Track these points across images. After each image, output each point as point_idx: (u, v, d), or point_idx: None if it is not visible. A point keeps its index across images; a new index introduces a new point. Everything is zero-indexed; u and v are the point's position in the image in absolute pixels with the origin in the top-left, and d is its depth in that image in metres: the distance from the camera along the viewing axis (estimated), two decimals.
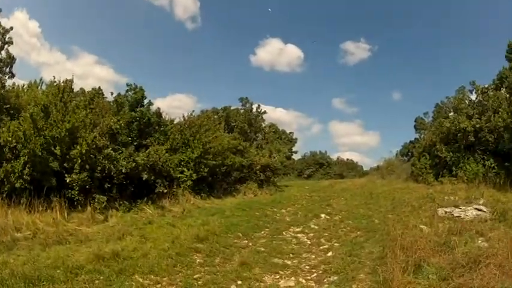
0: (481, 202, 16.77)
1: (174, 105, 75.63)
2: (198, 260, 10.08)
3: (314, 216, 18.38)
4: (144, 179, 18.42)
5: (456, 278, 8.51)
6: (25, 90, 22.28)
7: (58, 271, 8.15)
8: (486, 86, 27.96)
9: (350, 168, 56.27)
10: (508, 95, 23.87)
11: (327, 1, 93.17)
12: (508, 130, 22.75)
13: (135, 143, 19.74)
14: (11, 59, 21.03)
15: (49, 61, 69.82)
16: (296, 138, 49.57)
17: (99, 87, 23.74)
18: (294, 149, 47.99)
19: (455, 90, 31.36)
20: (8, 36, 20.91)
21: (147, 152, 18.99)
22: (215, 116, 33.00)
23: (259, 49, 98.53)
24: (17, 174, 15.43)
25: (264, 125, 41.34)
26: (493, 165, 23.55)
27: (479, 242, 10.92)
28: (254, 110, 40.02)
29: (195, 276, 8.84)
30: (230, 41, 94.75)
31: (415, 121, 43.56)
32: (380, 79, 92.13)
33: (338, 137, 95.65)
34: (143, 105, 21.76)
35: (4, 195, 14.94)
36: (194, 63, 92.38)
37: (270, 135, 41.73)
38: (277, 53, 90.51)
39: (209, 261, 10.06)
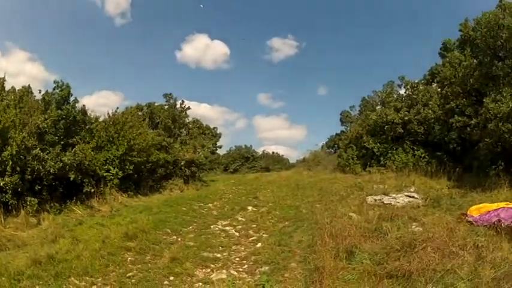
0: (412, 189, 16.84)
1: (100, 102, 73.13)
2: (129, 258, 9.87)
3: (241, 209, 17.85)
4: (71, 179, 17.18)
5: (391, 262, 8.04)
6: None
7: (3, 278, 7.92)
8: (416, 81, 28.92)
9: (276, 162, 56.32)
10: (439, 89, 24.41)
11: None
12: (438, 122, 23.31)
13: (62, 142, 18.49)
14: None
15: None
16: (220, 133, 49.13)
17: (29, 85, 22.09)
18: (218, 143, 47.53)
19: (383, 85, 32.10)
20: None
21: (73, 151, 17.76)
22: (139, 113, 31.97)
23: (186, 45, 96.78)
24: None
25: (187, 121, 40.52)
26: (423, 154, 24.05)
27: (413, 227, 10.56)
28: (178, 106, 39.12)
29: (128, 275, 8.69)
30: (157, 37, 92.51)
31: (340, 114, 44.17)
32: (306, 75, 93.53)
33: (263, 132, 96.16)
34: (69, 103, 20.48)
35: None
36: (121, 59, 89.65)
37: (194, 130, 41.06)
38: (204, 49, 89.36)
39: (140, 259, 9.88)
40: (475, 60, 19.56)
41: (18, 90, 20.59)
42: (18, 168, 15.20)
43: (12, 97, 18.36)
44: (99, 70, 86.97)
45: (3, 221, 13.68)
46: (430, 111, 23.92)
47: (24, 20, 77.33)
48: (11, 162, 15.02)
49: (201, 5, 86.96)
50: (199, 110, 77.75)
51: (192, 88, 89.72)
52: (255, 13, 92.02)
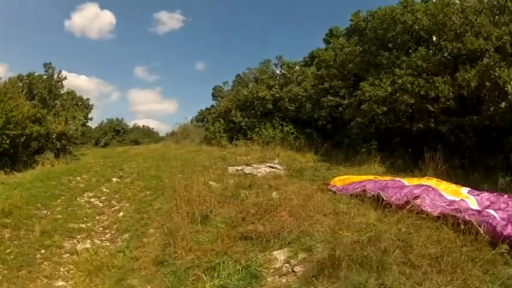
0: (276, 161, 17.09)
1: None
2: (7, 235, 9.87)
3: (106, 180, 17.64)
4: None
5: (246, 225, 8.01)
6: None
7: None
8: (294, 61, 29.80)
9: (146, 135, 55.37)
10: (316, 70, 25.43)
11: None
12: (310, 100, 24.11)
13: None
14: None
15: None
16: (92, 105, 46.59)
17: None
18: (90, 115, 45.56)
19: (259, 63, 32.29)
20: None
21: None
22: (19, 84, 29.67)
23: (75, 14, 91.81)
24: None
25: (62, 92, 38.39)
26: (292, 130, 24.70)
27: (274, 194, 10.46)
28: (55, 76, 36.88)
29: (7, 251, 8.82)
30: (47, 5, 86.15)
31: (213, 89, 43.99)
32: (186, 50, 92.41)
33: (136, 105, 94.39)
34: None
35: None
36: (7, 28, 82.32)
37: (67, 102, 38.93)
38: (91, 19, 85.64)
39: (15, 235, 9.93)
40: (359, 47, 20.49)
41: None
42: None
43: None
44: None
45: None
46: (301, 89, 24.75)
47: None
48: None
49: None
50: (76, 81, 73.93)
51: (75, 58, 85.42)
52: None
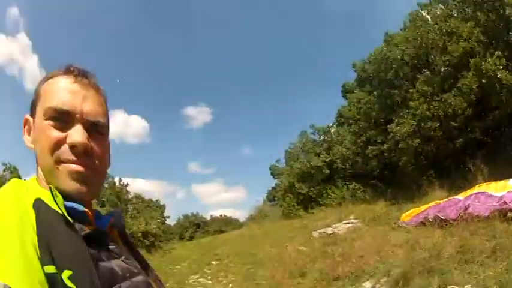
0: (351, 217, 18.28)
1: None
2: None
3: (206, 264, 18.94)
4: None
5: (337, 270, 9.71)
6: None
7: None
8: (328, 125, 30.93)
9: (227, 223, 56.55)
10: (347, 127, 26.05)
11: (161, 71, 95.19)
12: (357, 156, 24.82)
13: None
14: None
15: None
16: (164, 204, 49.27)
17: None
18: (165, 213, 47.95)
19: (297, 136, 33.71)
20: None
21: None
22: None
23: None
24: None
25: (130, 196, 40.98)
26: (357, 186, 25.30)
27: (357, 244, 12.04)
28: (117, 183, 39.67)
29: None
30: None
31: (270, 169, 45.43)
32: (227, 138, 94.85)
33: (205, 198, 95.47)
34: None
35: None
36: None
37: (139, 204, 41.41)
38: (123, 125, 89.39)
39: None
40: (374, 94, 21.67)
41: None
42: None
43: None
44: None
45: None
46: (344, 149, 25.72)
47: None
48: None
49: (118, 80, 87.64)
50: (136, 185, 76.91)
51: (120, 163, 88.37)
52: (165, 84, 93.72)
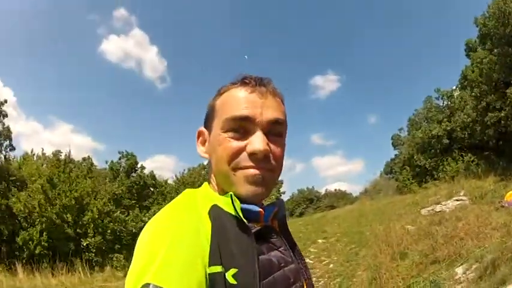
0: (461, 193, 18.11)
1: (155, 166, 75.48)
2: None
3: (312, 242, 19.51)
4: None
5: (436, 253, 10.07)
6: (21, 162, 22.67)
7: None
8: (452, 88, 29.64)
9: (340, 198, 56.34)
10: (470, 91, 25.13)
11: (284, 41, 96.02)
12: (476, 123, 24.11)
13: (137, 205, 20.92)
14: (8, 132, 20.24)
15: (26, 131, 69.81)
16: (282, 180, 50.57)
17: (89, 157, 24.70)
18: (281, 189, 48.97)
19: (422, 101, 33.06)
20: (2, 108, 19.80)
21: (152, 211, 20.32)
22: (202, 172, 34.28)
23: None
24: (35, 242, 16.75)
25: None
26: (472, 158, 24.91)
27: (460, 224, 12.22)
28: None
29: None
30: (199, 98, 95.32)
31: (391, 139, 44.83)
32: (353, 107, 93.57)
33: (323, 171, 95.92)
34: (136, 170, 23.08)
35: (24, 261, 15.99)
36: (167, 123, 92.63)
37: None
38: None
39: None
40: (495, 52, 20.63)
41: (82, 160, 23.01)
42: (100, 230, 18.12)
43: (79, 168, 20.75)
44: (148, 136, 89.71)
45: (89, 275, 16.22)
46: (465, 115, 24.95)
47: (66, 94, 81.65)
48: (92, 225, 17.90)
49: (246, 57, 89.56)
50: None
51: None
52: (290, 55, 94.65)
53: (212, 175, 1.24)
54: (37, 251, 16.62)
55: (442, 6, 76.25)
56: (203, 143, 1.29)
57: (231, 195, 1.10)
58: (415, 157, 29.74)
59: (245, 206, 1.11)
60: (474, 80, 22.96)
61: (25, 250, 16.80)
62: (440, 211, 16.28)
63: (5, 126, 20.29)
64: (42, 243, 16.78)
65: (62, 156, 20.63)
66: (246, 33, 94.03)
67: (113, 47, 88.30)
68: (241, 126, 1.15)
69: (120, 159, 23.44)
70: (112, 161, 23.26)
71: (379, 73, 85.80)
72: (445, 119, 27.84)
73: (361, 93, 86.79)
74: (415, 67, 79.13)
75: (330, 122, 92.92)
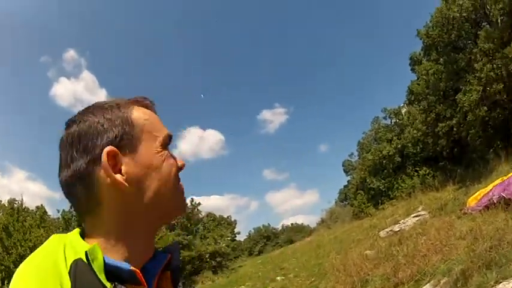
0: (420, 209, 17.75)
1: None
2: None
3: (271, 281, 19.33)
4: None
5: (399, 274, 9.34)
6: None
7: None
8: (399, 106, 29.96)
9: (298, 231, 56.56)
10: (417, 105, 25.34)
11: (233, 79, 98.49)
12: (428, 136, 24.20)
13: None
14: None
15: None
16: (235, 220, 50.25)
17: (42, 205, 24.45)
18: (236, 230, 48.83)
19: (369, 123, 33.32)
20: None
21: None
22: None
23: (179, 141, 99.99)
24: None
25: (201, 216, 42.29)
26: (427, 171, 24.82)
27: (422, 240, 11.62)
28: (189, 204, 40.93)
29: None
30: None
31: (343, 165, 45.20)
32: (303, 137, 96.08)
33: (278, 206, 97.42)
34: None
35: None
36: None
37: (209, 224, 42.70)
38: (199, 141, 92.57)
39: None
40: (441, 61, 21.10)
41: (34, 209, 22.90)
42: None
43: (32, 217, 20.71)
44: None
45: None
46: (414, 130, 25.00)
47: (19, 141, 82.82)
48: None
49: (202, 95, 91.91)
50: (210, 203, 79.07)
51: (196, 182, 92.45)
52: (240, 92, 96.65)
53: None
54: None
55: (382, 25, 79.55)
56: (118, 169, 1.00)
57: (86, 252, 0.89)
58: (367, 180, 29.76)
59: (114, 263, 0.92)
60: (421, 93, 23.41)
61: None
62: (399, 230, 15.79)
63: None
64: None
65: (16, 205, 20.42)
66: (194, 73, 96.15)
67: (63, 90, 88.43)
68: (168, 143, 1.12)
69: (71, 207, 22.60)
70: (64, 210, 22.43)
71: (326, 100, 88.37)
72: (394, 137, 28.04)
73: (310, 123, 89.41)
74: (361, 91, 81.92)
75: (281, 156, 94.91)
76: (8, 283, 16.31)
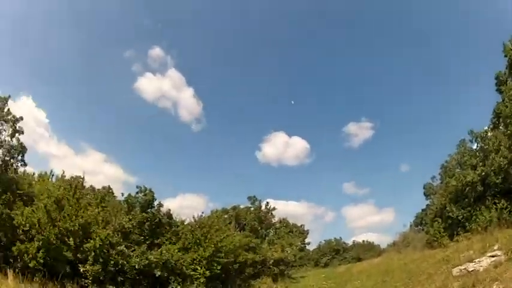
0: (495, 247, 16.98)
1: (185, 204, 76.26)
2: None
3: None
4: (157, 275, 19.99)
5: None
6: (36, 180, 23.90)
7: None
8: (485, 129, 28.52)
9: (367, 250, 55.43)
10: (504, 129, 24.11)
11: (323, 89, 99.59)
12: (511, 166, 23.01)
13: (147, 242, 21.13)
14: (22, 148, 21.63)
15: (57, 153, 73.96)
16: (308, 230, 50.55)
17: (109, 186, 25.31)
18: (307, 240, 48.80)
19: (456, 146, 32.39)
20: (18, 125, 21.30)
21: (159, 250, 20.75)
22: (225, 216, 34.40)
23: (265, 144, 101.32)
24: (30, 256, 17.22)
25: (274, 221, 42.60)
26: (505, 205, 23.34)
27: (495, 287, 11.20)
28: (263, 207, 41.37)
29: None
30: (235, 139, 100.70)
31: (424, 188, 44.08)
32: (386, 154, 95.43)
33: (353, 221, 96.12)
34: (153, 207, 23.23)
35: (17, 271, 16.15)
36: (202, 163, 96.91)
37: (281, 230, 42.98)
38: (283, 147, 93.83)
39: None
40: None
41: (98, 190, 23.72)
42: (100, 259, 18.38)
43: (93, 195, 21.28)
44: (180, 173, 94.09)
45: None
46: (501, 158, 23.81)
47: (99, 124, 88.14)
48: (93, 253, 18.21)
49: (292, 102, 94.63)
50: (287, 208, 79.94)
51: (277, 186, 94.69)
52: (326, 102, 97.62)
53: None
54: (31, 265, 17.09)
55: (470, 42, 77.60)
56: None
57: None
58: (447, 207, 28.61)
59: None
60: (508, 116, 22.08)
61: (19, 261, 17.40)
62: (473, 270, 15.20)
63: (20, 142, 21.61)
64: (38, 259, 17.22)
65: (81, 182, 21.27)
66: (285, 79, 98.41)
67: (147, 85, 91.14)
68: None
69: (137, 193, 23.46)
70: (129, 194, 23.22)
71: (412, 119, 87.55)
72: (480, 163, 26.77)
73: (395, 140, 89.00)
74: (448, 112, 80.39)
75: (362, 170, 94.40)
76: (44, 252, 17.20)
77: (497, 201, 24.19)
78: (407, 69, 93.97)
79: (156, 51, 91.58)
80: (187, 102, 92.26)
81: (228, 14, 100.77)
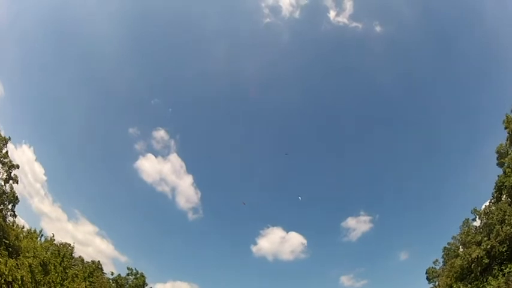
0: None
1: None
2: None
3: None
4: None
5: None
6: (24, 235, 23.88)
7: None
8: (487, 204, 29.08)
9: None
10: (509, 200, 24.55)
11: (322, 186, 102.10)
12: None
13: None
14: (14, 198, 21.50)
15: (50, 214, 74.15)
16: None
17: (99, 262, 25.58)
18: None
19: (459, 227, 32.77)
20: (14, 172, 21.14)
21: None
22: None
23: (261, 239, 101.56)
24: None
25: None
26: (511, 269, 23.54)
27: None
28: None
29: None
30: (231, 231, 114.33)
31: (426, 273, 44.07)
32: (384, 245, 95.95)
33: None
34: None
35: None
36: (195, 252, 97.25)
37: None
38: (280, 242, 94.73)
39: None
40: None
41: (86, 263, 23.77)
42: None
43: (81, 267, 21.32)
44: (172, 260, 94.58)
45: None
46: (507, 226, 24.18)
47: (96, 196, 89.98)
48: None
49: (299, 197, 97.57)
50: None
51: (271, 279, 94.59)
52: (325, 199, 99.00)
53: None
54: None
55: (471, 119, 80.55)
56: None
57: None
58: (454, 286, 28.73)
59: None
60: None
61: None
62: None
63: (13, 190, 21.96)
64: None
65: (70, 251, 21.47)
66: (284, 177, 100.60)
67: (148, 166, 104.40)
68: None
69: (128, 275, 23.97)
70: (119, 275, 23.70)
71: (409, 208, 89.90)
72: (484, 238, 27.21)
73: (393, 230, 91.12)
74: (446, 196, 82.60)
75: (360, 263, 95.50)
76: None
77: (503, 267, 24.48)
78: (403, 163, 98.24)
79: (161, 133, 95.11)
80: (185, 189, 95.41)
81: (236, 100, 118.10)
